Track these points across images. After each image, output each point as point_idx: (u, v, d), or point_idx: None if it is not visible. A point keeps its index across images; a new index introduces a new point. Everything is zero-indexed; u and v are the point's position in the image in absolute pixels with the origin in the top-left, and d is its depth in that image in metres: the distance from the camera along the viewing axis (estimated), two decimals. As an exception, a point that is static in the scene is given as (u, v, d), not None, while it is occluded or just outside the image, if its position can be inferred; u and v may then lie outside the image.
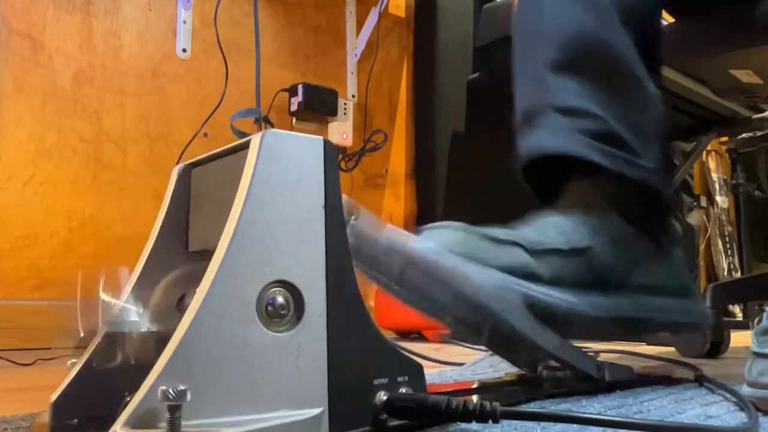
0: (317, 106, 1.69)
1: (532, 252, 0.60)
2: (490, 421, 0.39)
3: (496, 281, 0.55)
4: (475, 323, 0.55)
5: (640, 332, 0.69)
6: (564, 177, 0.70)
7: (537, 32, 0.71)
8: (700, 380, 0.69)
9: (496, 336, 0.57)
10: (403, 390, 0.41)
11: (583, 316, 0.60)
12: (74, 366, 0.41)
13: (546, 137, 0.68)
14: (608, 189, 0.67)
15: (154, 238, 0.44)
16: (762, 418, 0.50)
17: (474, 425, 0.44)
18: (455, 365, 0.88)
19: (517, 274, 0.57)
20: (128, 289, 0.43)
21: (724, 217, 3.03)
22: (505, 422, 0.45)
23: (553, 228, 0.64)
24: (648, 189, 0.68)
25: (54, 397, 0.40)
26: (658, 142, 0.70)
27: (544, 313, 0.57)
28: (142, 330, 0.40)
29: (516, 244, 0.60)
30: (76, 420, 0.40)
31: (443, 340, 1.43)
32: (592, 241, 0.63)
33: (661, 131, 0.71)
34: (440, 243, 0.56)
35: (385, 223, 0.54)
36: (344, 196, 0.41)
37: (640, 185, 0.67)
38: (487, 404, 0.39)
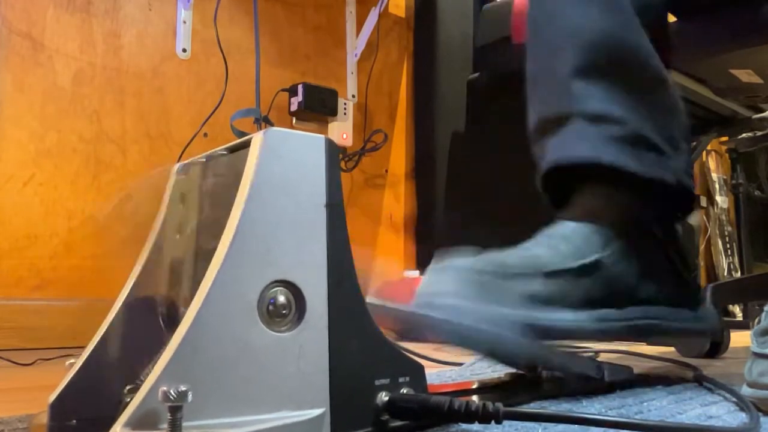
0: (317, 106, 1.69)
1: (546, 275, 0.61)
2: (493, 421, 0.39)
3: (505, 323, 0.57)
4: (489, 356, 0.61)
5: (647, 339, 0.71)
6: (579, 184, 0.70)
7: (555, 37, 0.70)
8: (700, 380, 0.68)
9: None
10: (404, 390, 0.41)
11: (593, 331, 0.62)
12: (73, 366, 0.41)
13: (575, 145, 0.68)
14: (624, 198, 0.67)
15: (153, 239, 0.44)
16: (763, 419, 0.49)
17: (475, 426, 0.44)
18: (454, 365, 0.88)
19: (534, 303, 0.59)
20: (127, 289, 0.43)
21: (724, 217, 3.03)
22: (506, 422, 0.45)
23: (563, 241, 0.64)
24: (673, 191, 0.68)
25: (52, 397, 0.40)
26: (686, 143, 0.70)
27: (553, 335, 0.60)
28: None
29: (528, 274, 0.60)
30: (74, 421, 0.40)
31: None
32: (603, 252, 0.64)
33: (688, 134, 0.71)
34: (450, 290, 0.57)
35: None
36: None
37: (668, 188, 0.67)
38: (490, 405, 0.39)
